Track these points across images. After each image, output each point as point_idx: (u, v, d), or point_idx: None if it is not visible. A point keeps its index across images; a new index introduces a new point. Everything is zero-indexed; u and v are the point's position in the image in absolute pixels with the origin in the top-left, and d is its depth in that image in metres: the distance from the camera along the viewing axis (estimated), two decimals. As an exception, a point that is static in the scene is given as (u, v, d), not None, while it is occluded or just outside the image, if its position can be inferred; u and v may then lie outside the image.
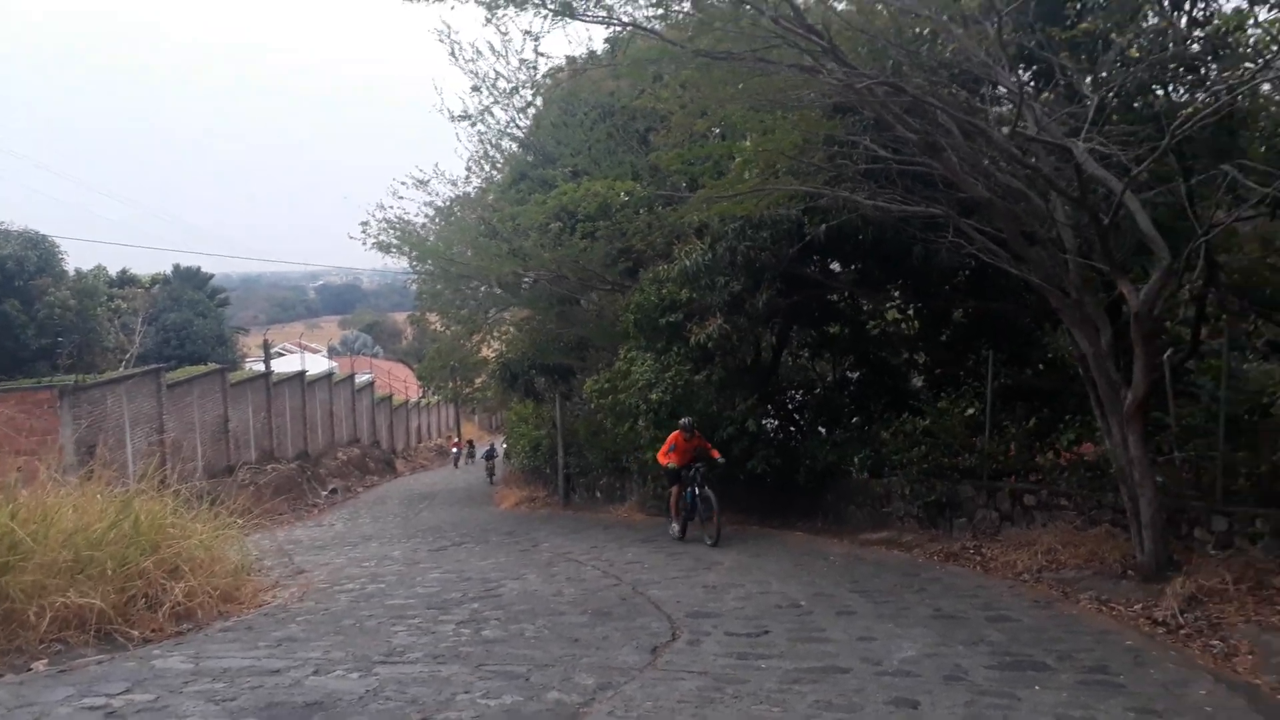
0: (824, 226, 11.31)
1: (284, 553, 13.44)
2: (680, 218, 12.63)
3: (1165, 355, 10.81)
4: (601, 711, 5.20)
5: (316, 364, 51.32)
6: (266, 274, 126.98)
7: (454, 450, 45.76)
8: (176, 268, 51.01)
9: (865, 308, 15.74)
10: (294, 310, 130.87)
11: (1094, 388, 9.02)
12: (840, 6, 8.92)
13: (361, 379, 45.29)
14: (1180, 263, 7.95)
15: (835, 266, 15.27)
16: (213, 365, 31.76)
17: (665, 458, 13.15)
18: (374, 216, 19.88)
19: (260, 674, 5.86)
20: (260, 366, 35.38)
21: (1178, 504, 9.42)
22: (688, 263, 13.28)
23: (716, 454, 13.31)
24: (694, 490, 12.96)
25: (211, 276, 53.63)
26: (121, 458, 18.94)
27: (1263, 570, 8.24)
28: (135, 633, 7.01)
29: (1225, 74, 6.70)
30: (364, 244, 19.97)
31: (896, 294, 15.16)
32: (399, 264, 23.58)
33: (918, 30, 8.88)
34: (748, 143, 10.70)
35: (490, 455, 33.80)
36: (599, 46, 18.98)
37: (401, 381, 58.59)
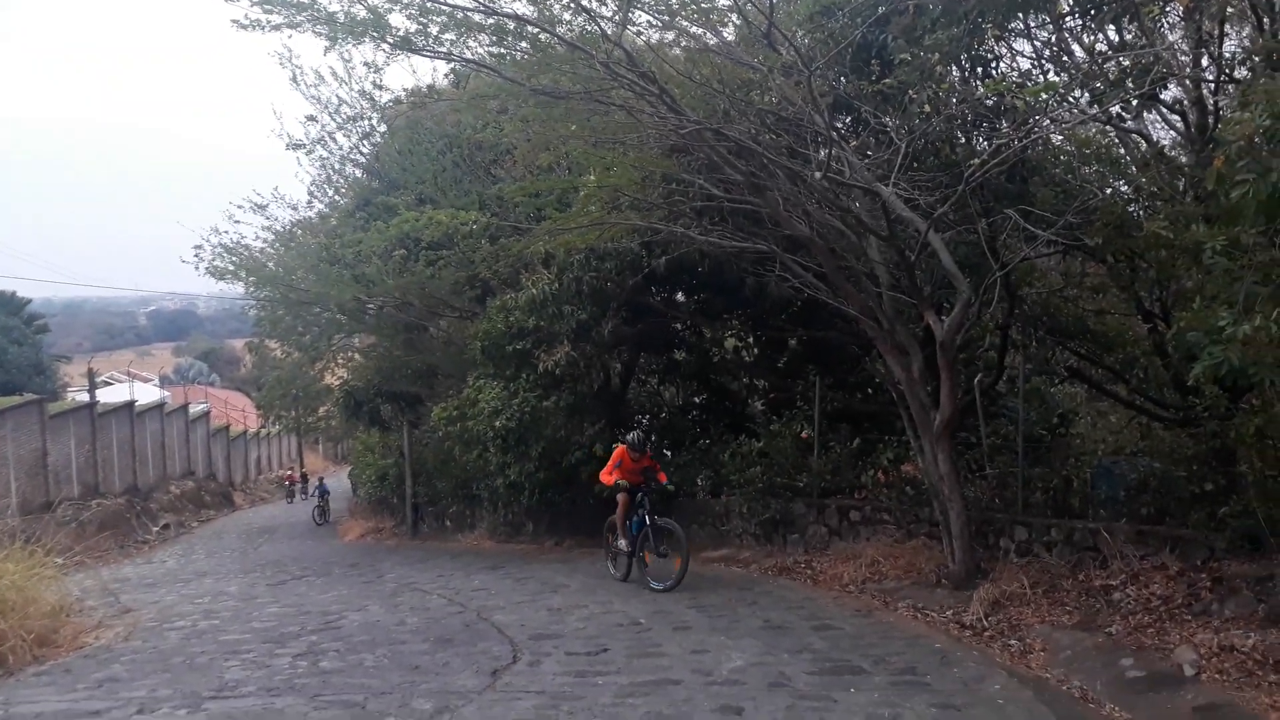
0: (664, 259, 11.80)
1: (110, 592, 12.76)
2: (526, 247, 12.86)
3: (976, 380, 11.80)
4: (438, 734, 5.32)
5: (148, 393, 48.47)
6: (92, 299, 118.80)
7: (288, 484, 42.24)
8: (-13, 290, 47.32)
9: (708, 336, 16.36)
10: (123, 337, 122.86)
11: (907, 410, 9.76)
12: (675, 52, 9.40)
13: (196, 409, 43.07)
14: (978, 295, 8.74)
15: (680, 297, 15.85)
16: (29, 396, 29.62)
17: (609, 476, 11.25)
18: (208, 241, 19.30)
19: (77, 716, 5.67)
20: (84, 396, 33.19)
21: (985, 516, 10.25)
22: (535, 291, 13.49)
23: (665, 477, 11.69)
24: (643, 516, 10.96)
25: (29, 301, 50.05)
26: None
27: (1056, 575, 9.06)
28: (-63, 681, 6.62)
29: (1008, 129, 7.49)
30: (197, 269, 19.34)
31: (736, 323, 15.84)
32: (237, 289, 22.86)
33: (747, 77, 9.44)
34: (591, 177, 11.04)
35: (322, 492, 29.30)
36: (443, 79, 19.10)
37: (240, 411, 56.02)
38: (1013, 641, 7.73)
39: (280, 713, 5.74)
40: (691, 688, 6.31)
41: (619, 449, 11.59)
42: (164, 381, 69.01)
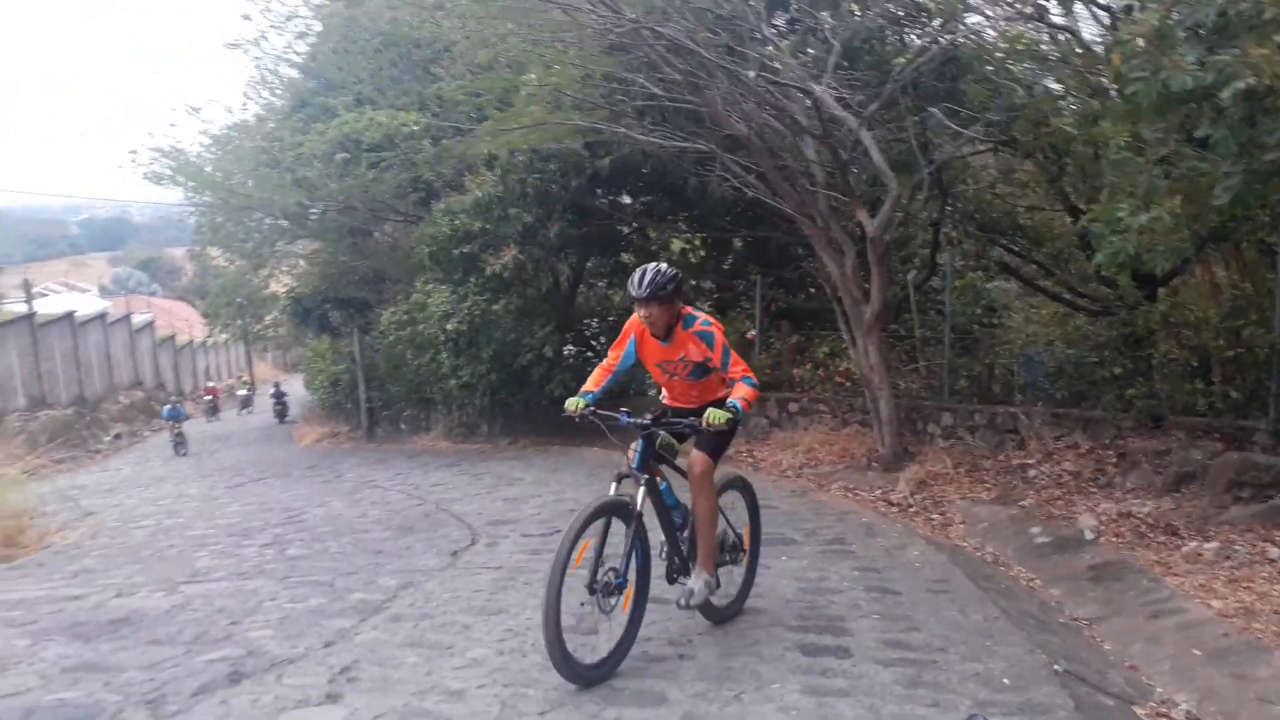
0: (607, 159, 11.96)
1: (68, 498, 12.96)
2: (468, 149, 12.85)
3: (910, 276, 12.28)
4: (403, 603, 5.75)
5: (87, 304, 47.33)
6: (16, 208, 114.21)
7: (209, 399, 37.05)
8: (-92, 201, 45.45)
9: (654, 238, 16.59)
10: (55, 247, 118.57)
11: (840, 305, 10.21)
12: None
13: (139, 318, 42.36)
14: (907, 192, 9.10)
15: (625, 200, 16.01)
16: (-38, 308, 28.97)
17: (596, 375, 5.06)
18: (143, 145, 18.87)
19: (59, 600, 6.00)
20: (20, 308, 32.45)
21: (914, 404, 10.87)
22: (479, 194, 13.57)
23: (745, 370, 4.77)
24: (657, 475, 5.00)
25: (-48, 211, 48.17)
26: None
27: (977, 456, 9.75)
28: (-86, 577, 6.89)
29: (938, 25, 7.73)
30: (133, 173, 18.94)
31: (683, 225, 16.07)
32: (173, 196, 22.44)
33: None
34: (533, 76, 11.04)
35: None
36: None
37: (185, 320, 55.12)
38: (935, 516, 8.36)
39: (254, 592, 6.12)
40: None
41: (629, 322, 5.04)
42: (103, 291, 67.44)
